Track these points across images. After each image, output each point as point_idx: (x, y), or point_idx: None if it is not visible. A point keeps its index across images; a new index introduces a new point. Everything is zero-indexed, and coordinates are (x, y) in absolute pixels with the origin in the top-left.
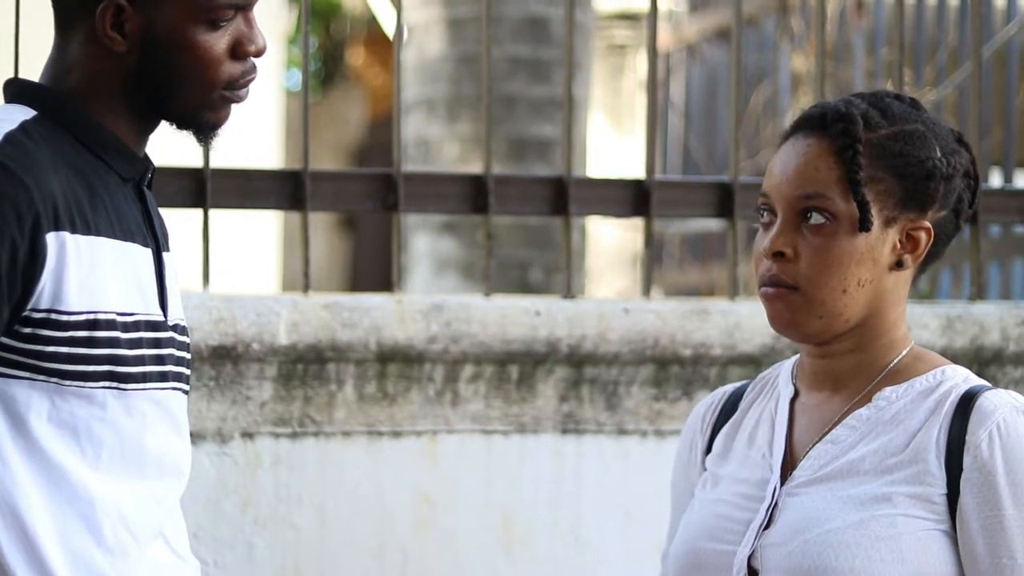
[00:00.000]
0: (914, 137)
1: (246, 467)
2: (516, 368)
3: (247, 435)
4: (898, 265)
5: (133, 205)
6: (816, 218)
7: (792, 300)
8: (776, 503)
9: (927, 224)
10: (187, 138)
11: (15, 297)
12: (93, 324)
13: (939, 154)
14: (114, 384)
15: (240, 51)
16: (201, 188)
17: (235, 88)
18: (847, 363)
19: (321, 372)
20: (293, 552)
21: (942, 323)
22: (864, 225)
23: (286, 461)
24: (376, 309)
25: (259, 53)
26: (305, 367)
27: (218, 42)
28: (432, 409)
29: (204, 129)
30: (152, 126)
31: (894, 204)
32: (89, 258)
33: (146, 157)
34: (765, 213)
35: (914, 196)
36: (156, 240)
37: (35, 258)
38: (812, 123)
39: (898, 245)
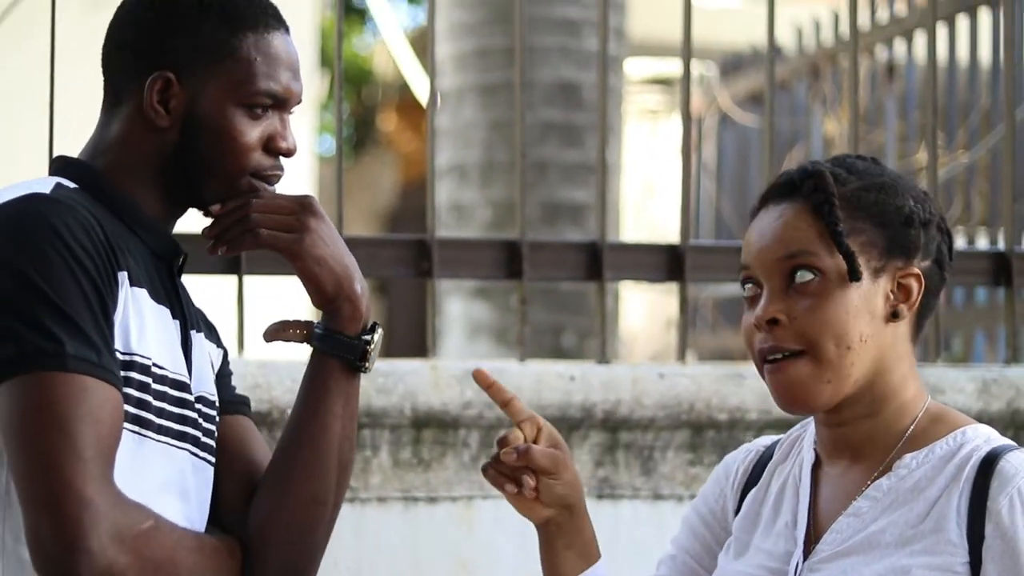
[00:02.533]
0: (886, 187)
1: None
2: None
3: None
4: (894, 316)
5: (166, 281)
6: (803, 275)
7: (798, 367)
8: None
9: (916, 271)
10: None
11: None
12: (130, 365)
13: (911, 202)
14: (137, 428)
15: (272, 145)
16: (236, 255)
17: (261, 178)
18: (861, 431)
19: (356, 438)
20: None
21: (978, 387)
22: (854, 275)
23: None
24: (411, 375)
25: (289, 153)
26: None
27: (253, 130)
28: (468, 474)
29: None
30: (181, 210)
31: (879, 253)
32: (136, 304)
33: (177, 243)
34: (749, 287)
35: (897, 243)
36: (184, 318)
37: (115, 291)
38: (781, 190)
39: (891, 295)
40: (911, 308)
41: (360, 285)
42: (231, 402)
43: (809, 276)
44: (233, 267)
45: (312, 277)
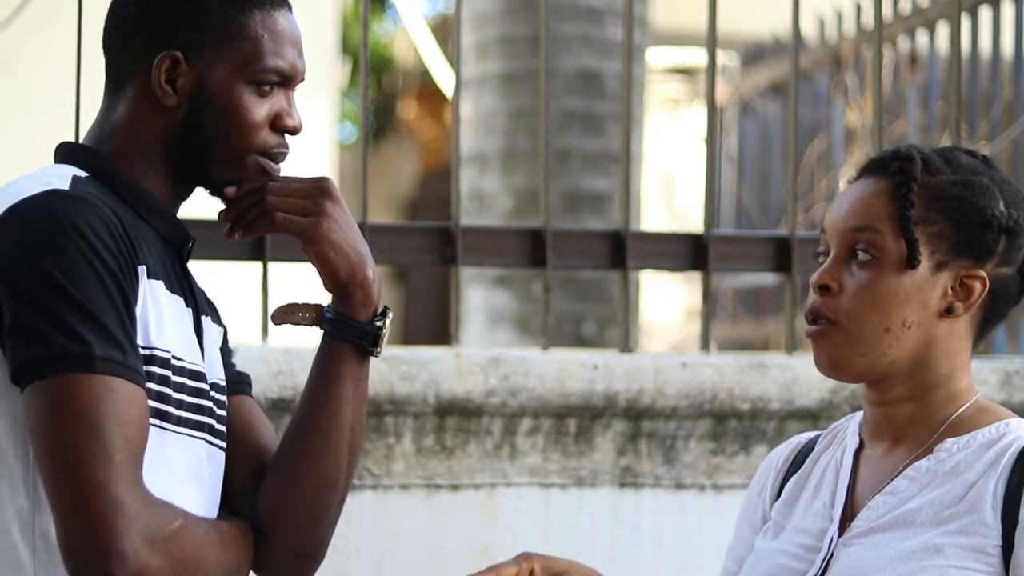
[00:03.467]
0: (975, 186)
1: None
2: (574, 422)
3: None
4: (948, 312)
5: (177, 268)
6: (863, 254)
7: (833, 337)
8: (832, 554)
9: (982, 274)
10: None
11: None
12: (150, 359)
13: (1002, 207)
14: (158, 422)
15: (278, 123)
16: (260, 241)
17: (268, 156)
18: (904, 412)
19: (379, 425)
20: None
21: (1000, 378)
22: (911, 262)
23: (344, 513)
24: (434, 362)
25: (295, 130)
26: None
27: (260, 108)
28: (490, 462)
29: None
30: (187, 192)
31: (947, 249)
32: (154, 297)
33: (186, 228)
34: (821, 248)
35: (969, 243)
36: (196, 304)
37: (136, 286)
38: (874, 165)
39: (950, 291)
40: (968, 308)
41: (372, 271)
42: (233, 382)
43: (868, 256)
44: (258, 253)
45: (327, 262)
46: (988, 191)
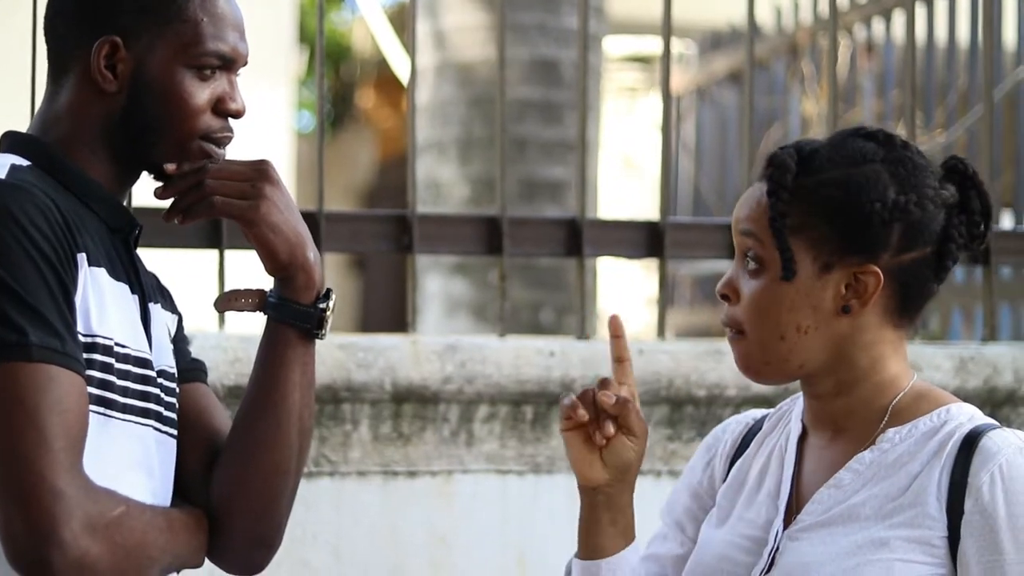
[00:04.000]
0: (852, 182)
1: None
2: (530, 408)
3: None
4: (844, 311)
5: (123, 255)
6: (752, 262)
7: (742, 345)
8: (778, 547)
9: (875, 269)
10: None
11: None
12: (91, 347)
13: (891, 195)
14: (102, 409)
15: (221, 107)
16: (216, 229)
17: (211, 141)
18: (837, 405)
19: (336, 412)
20: None
21: (955, 364)
22: (786, 273)
23: (302, 500)
24: (391, 349)
25: (238, 114)
26: (320, 407)
27: (202, 92)
28: (447, 449)
29: None
30: (132, 178)
31: (831, 250)
32: (95, 284)
33: (132, 215)
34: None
35: (853, 242)
36: (143, 291)
37: (74, 274)
38: (763, 170)
39: (843, 290)
40: (863, 305)
41: (313, 253)
42: (187, 369)
43: (754, 264)
44: (214, 241)
45: (266, 244)
46: (872, 182)
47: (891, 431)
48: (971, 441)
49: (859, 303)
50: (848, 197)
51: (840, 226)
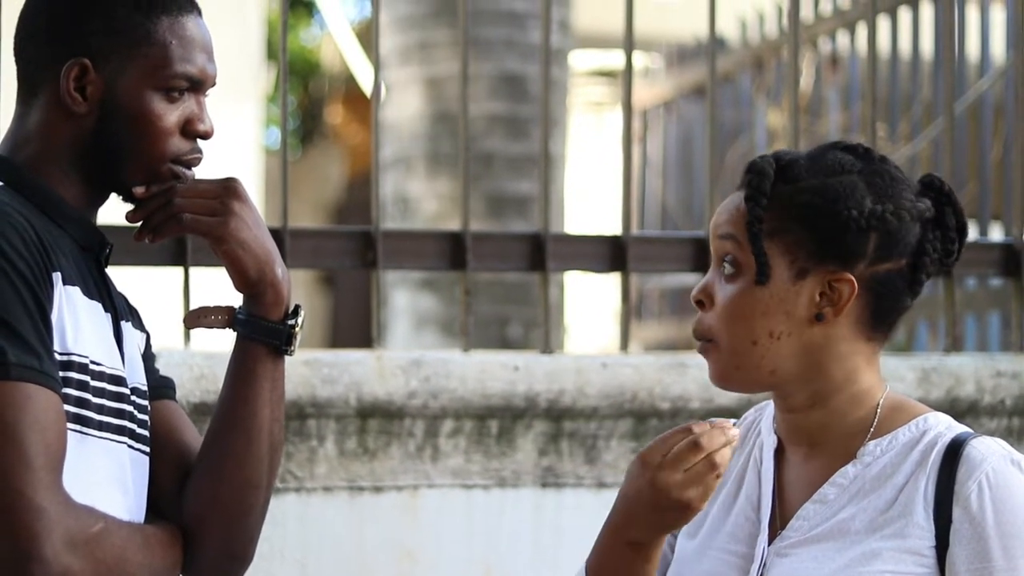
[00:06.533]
0: (829, 190)
1: None
2: (495, 423)
3: None
4: (818, 318)
5: (94, 274)
6: (728, 267)
7: (712, 354)
8: (765, 563)
9: (850, 277)
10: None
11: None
12: (68, 365)
13: (868, 204)
14: (78, 427)
15: (189, 128)
16: (181, 247)
17: (181, 163)
18: (813, 420)
19: (302, 428)
20: None
21: (918, 375)
22: (760, 277)
23: (268, 516)
24: (356, 365)
25: (206, 135)
26: (286, 423)
27: (171, 114)
28: (413, 464)
29: None
30: (102, 198)
31: (806, 256)
32: (70, 303)
33: (103, 234)
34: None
35: (829, 248)
36: (115, 309)
37: (50, 293)
38: (742, 178)
39: (817, 297)
40: (838, 312)
41: (281, 270)
42: (157, 387)
43: (731, 269)
44: (179, 259)
45: (235, 260)
46: (849, 192)
47: (871, 444)
48: (954, 450)
49: (833, 311)
50: (826, 203)
51: (816, 231)
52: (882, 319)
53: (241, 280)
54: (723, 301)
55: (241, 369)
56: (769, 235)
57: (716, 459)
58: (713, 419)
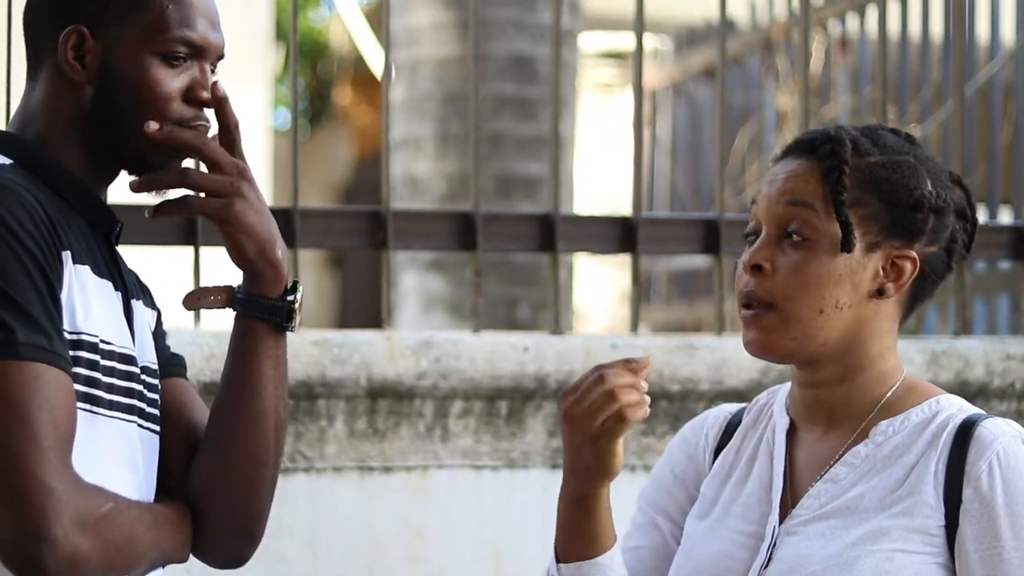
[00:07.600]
0: (904, 167)
1: None
2: (505, 403)
3: None
4: (879, 293)
5: (104, 252)
6: (797, 235)
7: (767, 320)
8: (775, 542)
9: (913, 254)
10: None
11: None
12: (78, 344)
13: (929, 187)
14: (88, 406)
15: (192, 95)
16: (192, 225)
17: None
18: (837, 395)
19: (312, 408)
20: None
21: (927, 358)
22: (846, 246)
23: (277, 495)
24: (366, 345)
25: (209, 103)
26: (296, 403)
27: (172, 80)
28: (422, 444)
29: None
30: (110, 173)
31: (878, 230)
32: (80, 282)
33: (113, 212)
34: (751, 231)
35: (900, 224)
36: (125, 288)
37: (60, 272)
38: (802, 146)
39: (881, 272)
40: (899, 289)
41: (281, 250)
42: (167, 365)
43: (802, 237)
44: (189, 238)
45: (236, 242)
46: (916, 171)
47: (883, 423)
48: (966, 430)
49: (895, 287)
50: (902, 179)
51: (891, 206)
52: (918, 301)
53: (241, 259)
54: (793, 266)
55: (243, 347)
56: (848, 205)
57: (618, 392)
58: (630, 358)
